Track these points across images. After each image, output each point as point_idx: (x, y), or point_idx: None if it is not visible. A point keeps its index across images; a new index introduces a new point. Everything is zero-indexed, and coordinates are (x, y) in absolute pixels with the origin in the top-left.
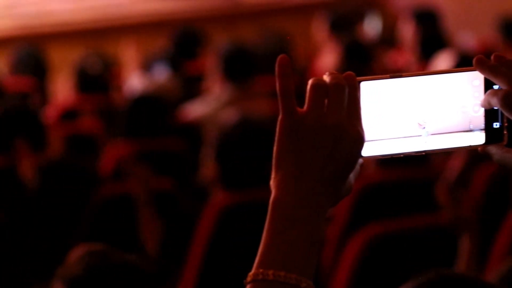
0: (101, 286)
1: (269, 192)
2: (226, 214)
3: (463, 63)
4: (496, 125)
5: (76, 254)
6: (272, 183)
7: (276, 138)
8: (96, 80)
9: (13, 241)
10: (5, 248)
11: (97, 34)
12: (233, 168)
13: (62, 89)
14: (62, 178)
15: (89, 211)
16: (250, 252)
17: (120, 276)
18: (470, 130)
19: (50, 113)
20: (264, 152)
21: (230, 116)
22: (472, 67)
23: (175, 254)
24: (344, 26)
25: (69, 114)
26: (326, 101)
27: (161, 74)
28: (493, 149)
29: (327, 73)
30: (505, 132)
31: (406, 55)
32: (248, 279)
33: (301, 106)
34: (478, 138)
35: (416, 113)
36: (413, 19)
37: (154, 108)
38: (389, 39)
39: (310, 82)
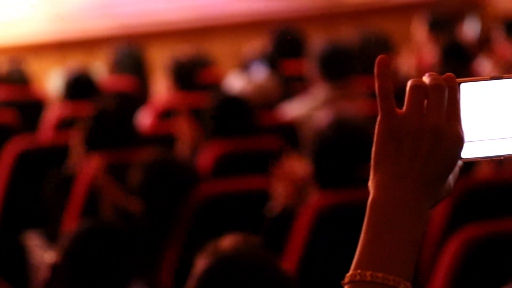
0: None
1: (367, 192)
2: (323, 214)
3: None
4: None
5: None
6: (370, 183)
7: (374, 139)
8: (194, 79)
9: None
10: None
11: (195, 33)
12: (328, 168)
13: (161, 88)
14: (163, 176)
15: (188, 210)
16: (347, 253)
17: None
18: None
19: (149, 112)
20: (358, 152)
21: (325, 116)
22: None
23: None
24: (443, 26)
25: (167, 113)
26: (425, 102)
27: (260, 74)
28: None
29: (427, 74)
30: None
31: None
32: (346, 280)
33: (400, 107)
34: None
35: None
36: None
37: (241, 109)
38: (487, 40)
39: (409, 83)
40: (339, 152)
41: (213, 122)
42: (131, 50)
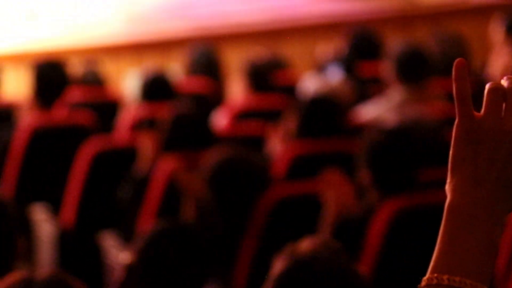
0: None
1: (442, 196)
2: (397, 218)
3: None
4: None
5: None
6: (447, 187)
7: (452, 142)
8: (270, 81)
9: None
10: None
11: (271, 35)
12: (388, 172)
13: (236, 90)
14: (234, 175)
15: (262, 210)
16: (421, 257)
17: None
18: None
19: (225, 114)
20: (423, 155)
21: (396, 118)
22: None
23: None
24: None
25: (243, 115)
26: (504, 105)
27: (335, 76)
28: None
29: (505, 77)
30: None
31: None
32: (423, 283)
33: (478, 110)
34: None
35: None
36: None
37: (328, 109)
38: None
39: (487, 86)
40: (398, 156)
41: (296, 123)
42: (206, 52)
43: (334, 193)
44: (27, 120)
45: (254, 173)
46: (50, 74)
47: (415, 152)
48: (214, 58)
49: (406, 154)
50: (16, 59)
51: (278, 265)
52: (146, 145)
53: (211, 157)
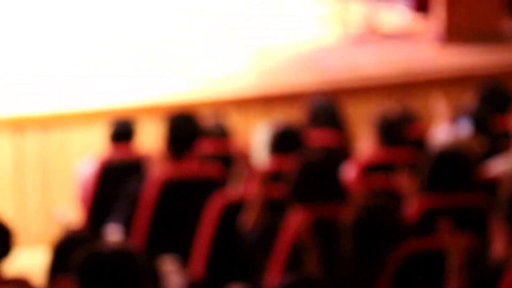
0: None
1: None
2: None
3: None
4: None
5: None
6: None
7: None
8: (400, 135)
9: None
10: None
11: (401, 88)
12: None
13: (366, 143)
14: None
15: (394, 264)
16: None
17: None
18: None
19: (353, 167)
20: None
21: None
22: None
23: None
24: None
25: (371, 168)
26: None
27: (466, 129)
28: None
29: None
30: None
31: None
32: None
33: None
34: None
35: None
36: None
37: (457, 163)
38: None
39: None
40: None
41: (425, 176)
42: (329, 104)
43: (460, 245)
44: (157, 171)
45: (391, 226)
46: (181, 126)
47: None
48: (338, 111)
49: None
50: (150, 111)
51: None
52: (277, 195)
53: (348, 209)
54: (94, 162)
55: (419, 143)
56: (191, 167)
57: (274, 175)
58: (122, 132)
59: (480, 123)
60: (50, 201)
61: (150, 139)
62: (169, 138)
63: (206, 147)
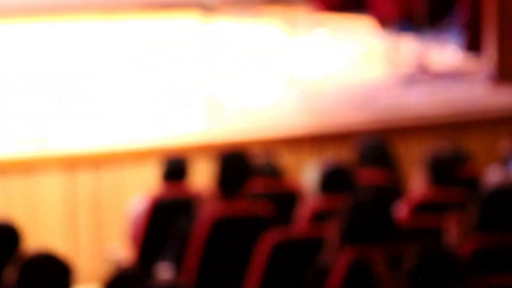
0: None
1: None
2: None
3: None
4: None
5: None
6: None
7: None
8: (451, 174)
9: None
10: None
11: (452, 127)
12: None
13: (416, 183)
14: (433, 270)
15: None
16: None
17: None
18: None
19: (403, 206)
20: None
21: None
22: None
23: None
24: None
25: (422, 207)
26: None
27: None
28: None
29: None
30: None
31: None
32: None
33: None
34: None
35: None
36: None
37: (509, 203)
38: None
39: None
40: None
41: (476, 215)
42: (384, 143)
43: None
44: (209, 210)
45: (448, 268)
46: (233, 165)
47: None
48: (389, 150)
49: None
50: (202, 149)
51: None
52: (329, 236)
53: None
54: (146, 200)
55: (471, 183)
56: (242, 206)
57: (324, 214)
58: (174, 170)
59: None
60: (102, 239)
61: (201, 178)
62: (221, 177)
63: (257, 186)
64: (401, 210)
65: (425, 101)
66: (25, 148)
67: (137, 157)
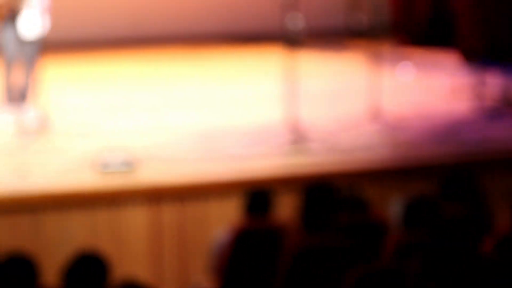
0: None
1: None
2: None
3: None
4: None
5: None
6: None
7: None
8: None
9: None
10: None
11: None
12: None
13: (502, 217)
14: None
15: None
16: None
17: None
18: None
19: (489, 241)
20: None
21: None
22: None
23: None
24: None
25: (508, 241)
26: None
27: None
28: None
29: None
30: None
31: None
32: None
33: None
34: None
35: None
36: None
37: None
38: None
39: None
40: None
41: None
42: (469, 178)
43: None
44: (293, 242)
45: None
46: (318, 198)
47: None
48: (474, 184)
49: None
50: (285, 182)
51: None
52: (410, 269)
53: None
54: (230, 232)
55: None
56: (326, 238)
57: (408, 247)
58: (258, 203)
59: None
60: (187, 271)
61: (286, 210)
62: (305, 210)
63: (341, 218)
64: (486, 244)
65: (510, 134)
66: (111, 180)
67: (222, 189)
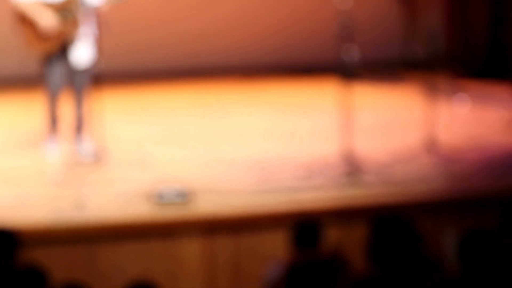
0: None
1: None
2: None
3: None
4: None
5: None
6: None
7: None
8: None
9: None
10: None
11: None
12: None
13: None
14: None
15: None
16: None
17: None
18: None
19: None
20: None
21: None
22: None
23: None
24: None
25: None
26: None
27: None
28: None
29: None
30: None
31: None
32: None
33: None
34: None
35: None
36: None
37: None
38: None
39: None
40: None
41: None
42: None
43: None
44: (358, 274)
45: None
46: (387, 229)
47: None
48: None
49: None
50: (337, 213)
51: None
52: None
53: None
54: (281, 266)
55: None
56: (390, 271)
57: (464, 281)
58: (308, 236)
59: None
60: None
61: (332, 242)
62: (372, 242)
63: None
64: None
65: None
66: (166, 212)
67: (275, 221)
